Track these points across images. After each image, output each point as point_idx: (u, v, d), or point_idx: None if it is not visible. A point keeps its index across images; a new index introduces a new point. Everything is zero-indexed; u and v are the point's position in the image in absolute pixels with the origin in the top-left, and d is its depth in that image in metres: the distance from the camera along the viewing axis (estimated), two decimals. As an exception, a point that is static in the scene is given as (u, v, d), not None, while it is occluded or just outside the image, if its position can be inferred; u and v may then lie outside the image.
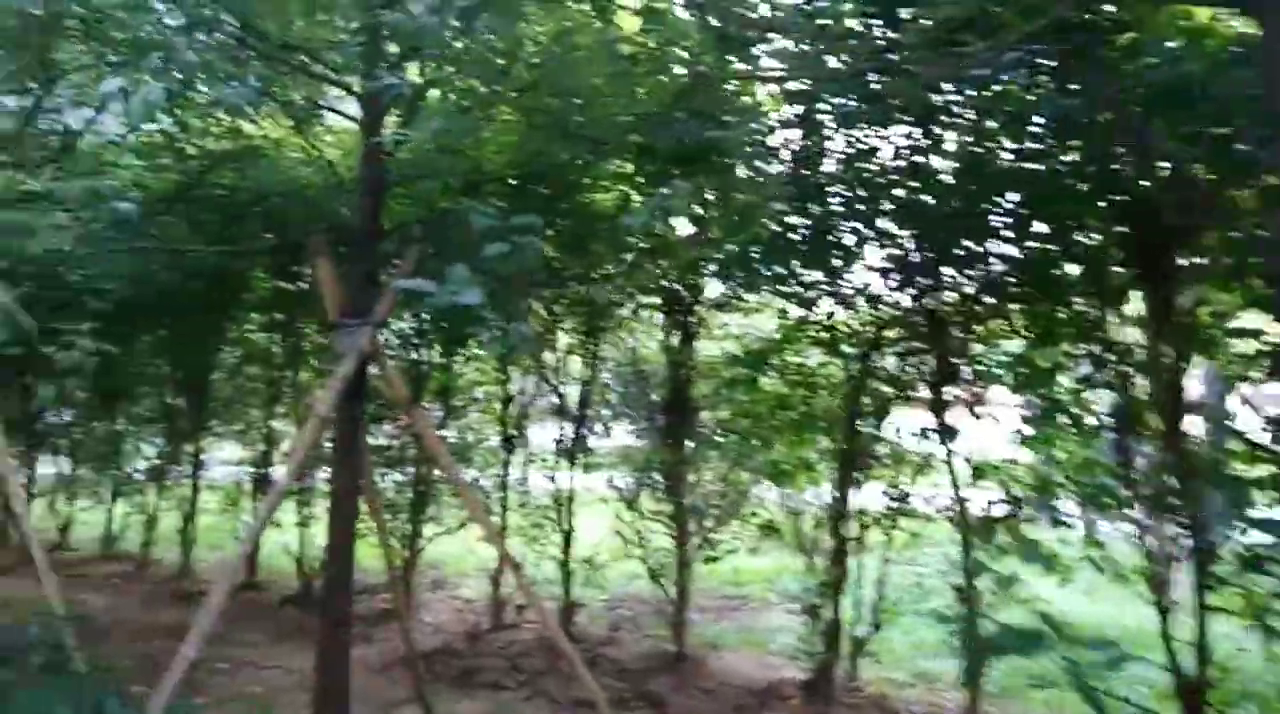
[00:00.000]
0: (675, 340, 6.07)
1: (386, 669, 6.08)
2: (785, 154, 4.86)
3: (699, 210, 5.50)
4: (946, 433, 4.95)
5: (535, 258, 2.70)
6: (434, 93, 4.13)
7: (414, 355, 7.65)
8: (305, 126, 5.85)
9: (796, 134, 4.95)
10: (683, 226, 5.95)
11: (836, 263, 5.29)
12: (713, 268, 5.80)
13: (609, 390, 7.00)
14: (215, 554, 9.91)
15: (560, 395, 6.68)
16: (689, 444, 6.04)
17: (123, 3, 3.26)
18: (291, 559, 8.72)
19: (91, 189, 4.12)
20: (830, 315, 5.41)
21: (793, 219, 5.32)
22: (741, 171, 5.11)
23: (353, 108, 4.49)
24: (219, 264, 6.56)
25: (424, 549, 7.92)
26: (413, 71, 3.76)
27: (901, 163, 4.84)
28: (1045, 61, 4.05)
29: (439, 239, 4.31)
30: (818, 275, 5.40)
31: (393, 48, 3.70)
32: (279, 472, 8.90)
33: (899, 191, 4.92)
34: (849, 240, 5.22)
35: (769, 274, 5.43)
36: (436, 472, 7.78)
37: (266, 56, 3.68)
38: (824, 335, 5.43)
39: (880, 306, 5.29)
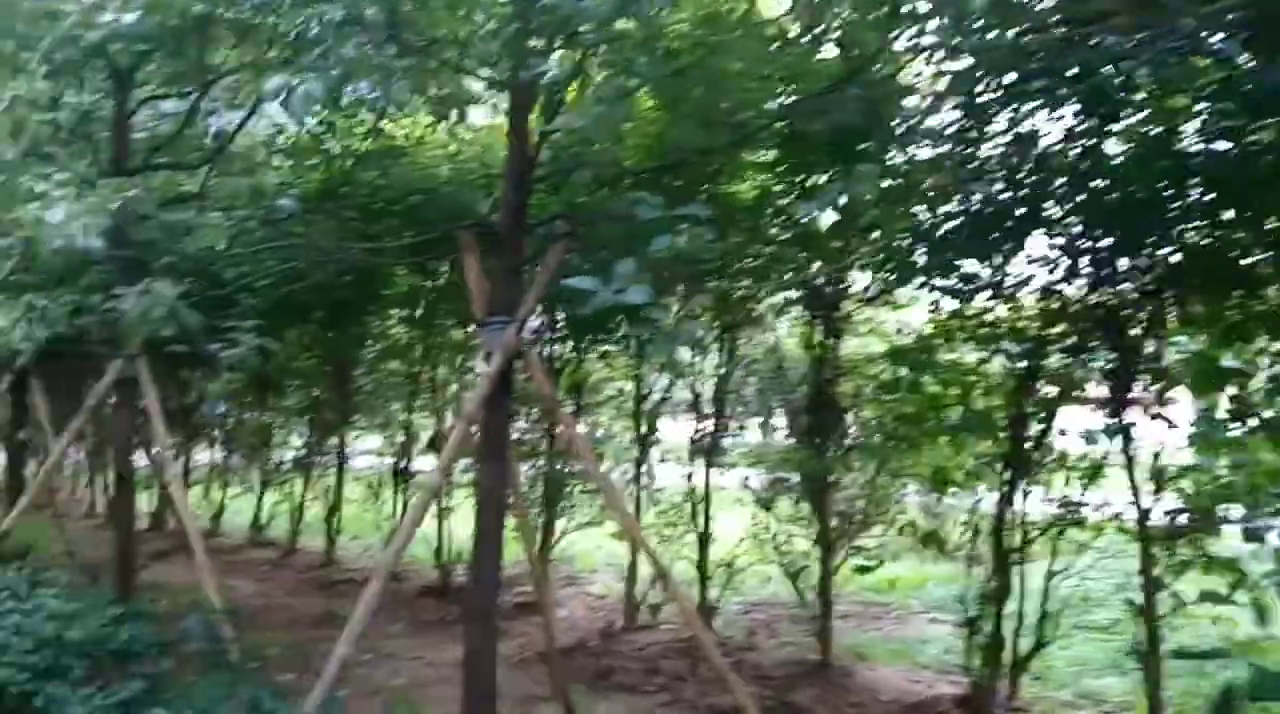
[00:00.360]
0: (819, 336, 5.82)
1: (523, 664, 6.07)
2: (944, 137, 4.55)
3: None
4: (1124, 436, 4.56)
5: (705, 250, 2.55)
6: (581, 83, 4.02)
7: (546, 351, 7.66)
8: (452, 123, 5.86)
9: (957, 116, 4.65)
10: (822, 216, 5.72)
11: (997, 253, 4.96)
12: (862, 259, 5.54)
13: (747, 388, 6.80)
14: (358, 543, 10.20)
15: (696, 392, 6.52)
16: (833, 445, 5.78)
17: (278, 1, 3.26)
18: (429, 550, 8.89)
19: (254, 187, 4.19)
20: (990, 310, 5.07)
21: (950, 207, 5.03)
22: (897, 157, 4.86)
23: (491, 102, 4.45)
24: (363, 261, 6.67)
25: (556, 544, 7.93)
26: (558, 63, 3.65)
27: (1073, 144, 4.47)
28: (1240, 31, 3.65)
29: (587, 233, 4.21)
30: (976, 267, 5.08)
31: (536, 42, 3.62)
32: (419, 464, 9.09)
33: (1069, 176, 4.56)
34: (1012, 229, 4.88)
35: (923, 266, 5.13)
36: (568, 467, 7.79)
37: (414, 52, 3.63)
38: (985, 331, 5.09)
39: (1047, 300, 4.92)
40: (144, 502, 10.45)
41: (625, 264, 2.42)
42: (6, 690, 3.68)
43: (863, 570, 5.56)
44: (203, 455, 12.15)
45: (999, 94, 4.38)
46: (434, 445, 8.70)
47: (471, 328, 8.69)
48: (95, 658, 3.99)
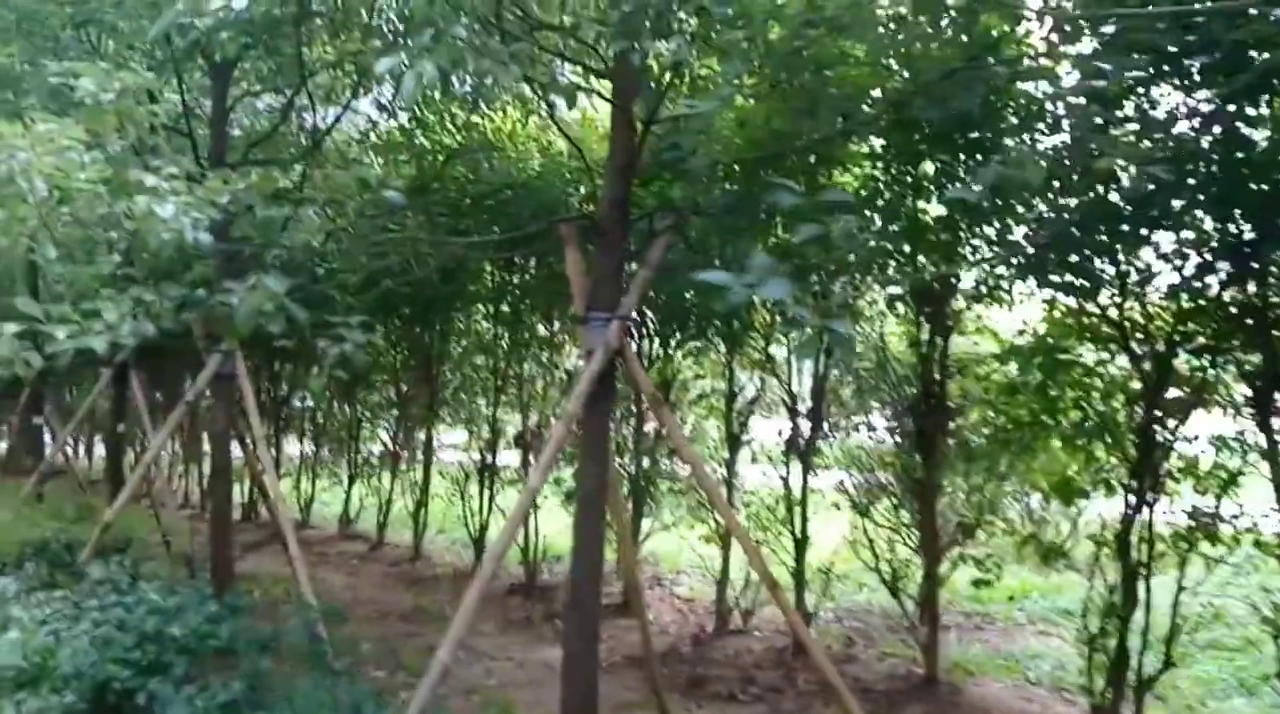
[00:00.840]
0: (925, 334, 5.55)
1: (613, 669, 5.94)
2: (1086, 120, 4.25)
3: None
4: (1270, 443, 4.22)
5: (851, 239, 2.36)
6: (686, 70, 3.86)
7: (634, 346, 7.54)
8: (546, 114, 5.74)
9: (1080, 100, 4.34)
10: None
11: (1124, 247, 4.64)
12: (973, 254, 5.26)
13: (844, 387, 6.55)
14: (444, 538, 10.24)
15: (790, 392, 6.30)
16: (941, 448, 5.50)
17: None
18: (515, 547, 8.85)
19: (359, 178, 4.13)
20: (1116, 306, 4.76)
21: (1071, 198, 4.73)
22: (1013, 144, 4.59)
23: (592, 91, 4.31)
24: (461, 255, 6.63)
25: (641, 544, 7.79)
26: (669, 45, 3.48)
27: (1211, 129, 4.14)
28: None
29: (694, 226, 4.03)
30: (1099, 261, 4.77)
31: (644, 23, 3.47)
32: (504, 460, 9.06)
33: (1207, 163, 4.22)
34: (1139, 221, 4.56)
35: (1042, 260, 4.84)
36: (655, 465, 7.66)
37: (517, 37, 3.51)
38: (1110, 330, 4.77)
39: (1179, 297, 4.59)
40: (236, 493, 10.64)
41: (760, 257, 2.24)
42: (110, 686, 3.68)
43: (979, 584, 5.27)
44: (293, 447, 12.34)
45: (1132, 75, 4.08)
46: (520, 442, 8.65)
47: (557, 324, 8.65)
48: (196, 655, 3.97)
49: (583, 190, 6.74)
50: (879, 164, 5.44)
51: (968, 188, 2.79)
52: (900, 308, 5.68)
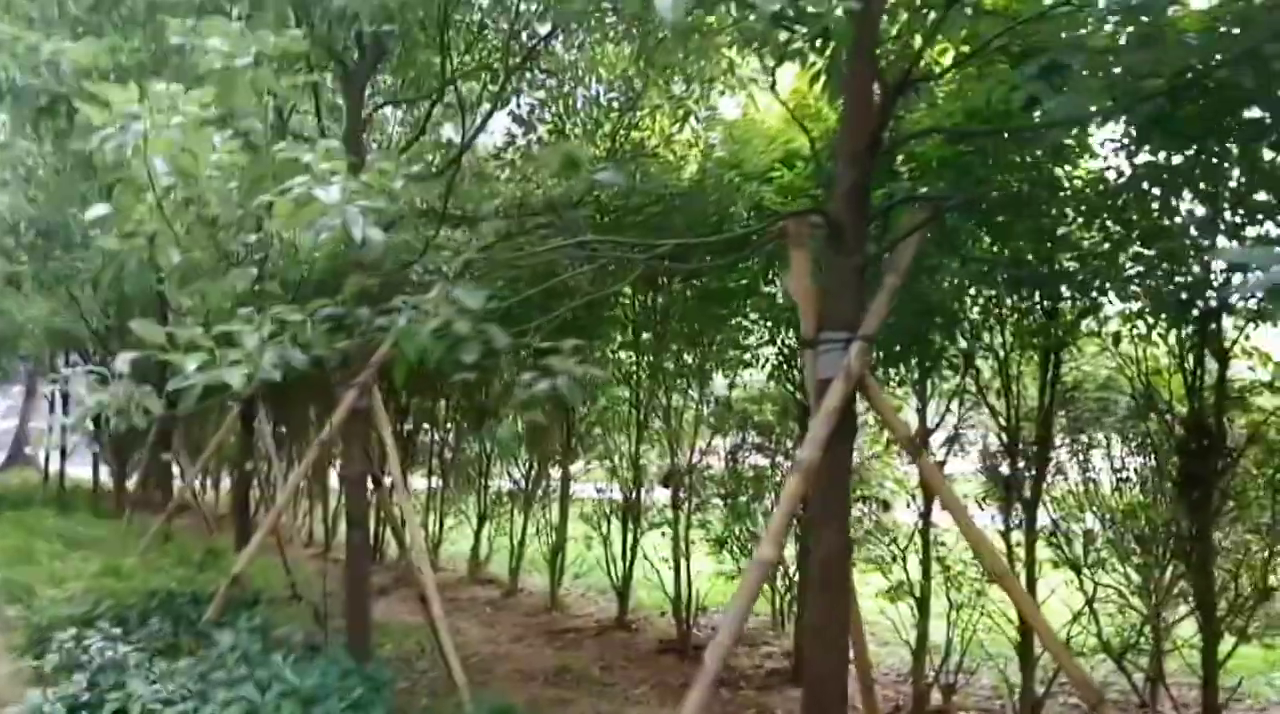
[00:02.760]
0: (1191, 358, 4.55)
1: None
2: None
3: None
4: None
5: None
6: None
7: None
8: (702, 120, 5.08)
9: None
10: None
11: None
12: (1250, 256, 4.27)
13: (1069, 420, 5.58)
14: (580, 583, 9.51)
15: (1009, 426, 5.33)
16: (1218, 495, 4.48)
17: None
18: (652, 591, 8.10)
19: (568, 156, 3.48)
20: None
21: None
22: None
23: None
24: (591, 281, 5.99)
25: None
26: None
27: None
28: None
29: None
30: None
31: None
32: (648, 499, 8.32)
33: None
34: None
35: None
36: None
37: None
38: None
39: None
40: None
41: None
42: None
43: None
44: (419, 483, 11.85)
45: None
46: (669, 480, 7.90)
47: (704, 351, 7.88)
48: (339, 753, 3.31)
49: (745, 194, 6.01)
50: (1122, 153, 4.53)
51: None
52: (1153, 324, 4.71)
